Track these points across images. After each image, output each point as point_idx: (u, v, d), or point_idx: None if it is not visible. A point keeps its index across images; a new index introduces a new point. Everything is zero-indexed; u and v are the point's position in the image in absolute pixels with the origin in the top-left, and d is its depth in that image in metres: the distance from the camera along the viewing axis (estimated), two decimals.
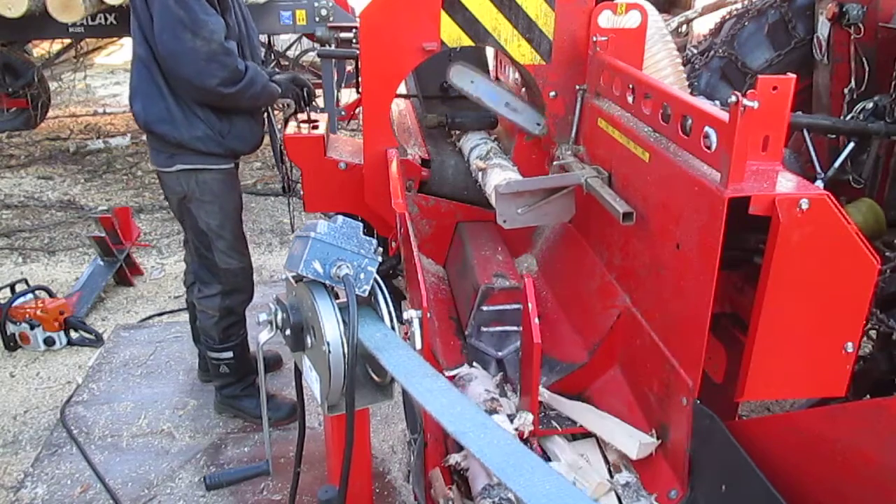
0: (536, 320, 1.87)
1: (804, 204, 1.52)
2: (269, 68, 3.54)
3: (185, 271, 3.43)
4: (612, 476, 1.94)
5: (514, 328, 2.39)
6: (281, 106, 3.09)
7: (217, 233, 3.01)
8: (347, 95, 6.92)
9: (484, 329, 2.40)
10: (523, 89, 3.11)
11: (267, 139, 3.21)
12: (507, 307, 2.39)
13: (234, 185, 3.07)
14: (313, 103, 3.18)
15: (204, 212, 2.97)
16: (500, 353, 2.40)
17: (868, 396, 2.47)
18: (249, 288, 3.22)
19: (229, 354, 3.21)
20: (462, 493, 1.88)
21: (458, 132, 3.25)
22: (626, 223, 2.03)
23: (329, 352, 1.51)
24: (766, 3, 3.56)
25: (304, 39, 7.97)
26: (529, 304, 1.88)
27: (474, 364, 2.32)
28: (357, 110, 5.74)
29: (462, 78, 2.78)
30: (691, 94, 3.21)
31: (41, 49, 8.87)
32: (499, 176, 2.52)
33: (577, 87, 2.63)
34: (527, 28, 2.61)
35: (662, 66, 2.93)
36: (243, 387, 3.30)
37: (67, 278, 4.91)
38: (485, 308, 2.39)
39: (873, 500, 1.44)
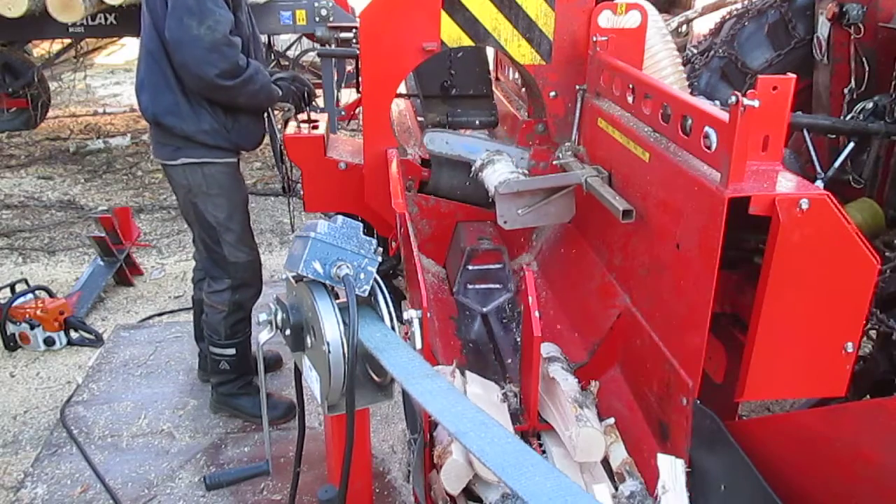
0: (537, 314, 1.87)
1: (804, 204, 1.52)
2: (269, 68, 3.54)
3: (195, 268, 3.44)
4: (615, 485, 1.92)
5: (497, 286, 2.65)
6: (281, 108, 3.08)
7: (225, 225, 3.01)
8: (347, 95, 6.92)
9: (469, 286, 2.65)
10: (523, 89, 3.11)
11: (267, 139, 3.21)
12: (491, 266, 2.65)
13: (239, 178, 3.08)
14: (313, 103, 3.19)
15: (211, 205, 2.97)
16: (484, 309, 2.62)
17: (868, 396, 2.47)
18: (258, 282, 3.22)
19: (232, 351, 3.21)
20: (465, 493, 1.87)
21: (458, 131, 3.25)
22: (626, 220, 2.03)
23: (329, 352, 1.51)
24: (766, 3, 3.56)
25: (304, 39, 7.97)
26: (530, 298, 1.88)
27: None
28: (357, 110, 5.74)
29: (437, 143, 2.84)
30: (691, 94, 3.21)
31: (41, 49, 8.87)
32: (500, 174, 2.54)
33: (578, 87, 2.64)
34: (527, 28, 2.61)
35: (662, 66, 2.93)
36: (240, 385, 3.30)
37: (67, 278, 4.90)
38: (470, 267, 2.64)
39: (873, 500, 1.44)
